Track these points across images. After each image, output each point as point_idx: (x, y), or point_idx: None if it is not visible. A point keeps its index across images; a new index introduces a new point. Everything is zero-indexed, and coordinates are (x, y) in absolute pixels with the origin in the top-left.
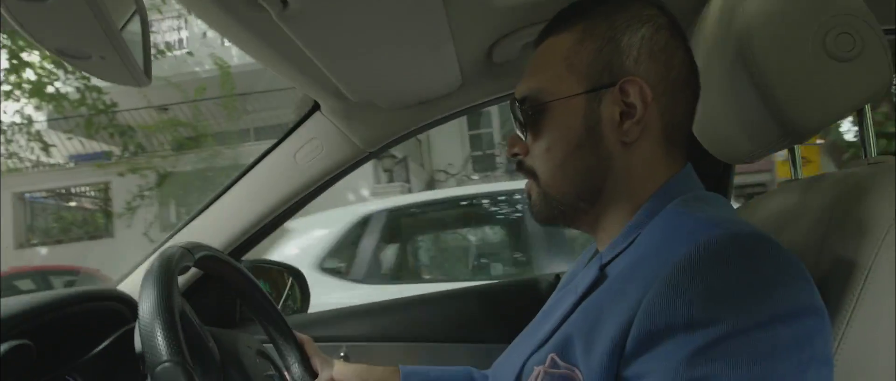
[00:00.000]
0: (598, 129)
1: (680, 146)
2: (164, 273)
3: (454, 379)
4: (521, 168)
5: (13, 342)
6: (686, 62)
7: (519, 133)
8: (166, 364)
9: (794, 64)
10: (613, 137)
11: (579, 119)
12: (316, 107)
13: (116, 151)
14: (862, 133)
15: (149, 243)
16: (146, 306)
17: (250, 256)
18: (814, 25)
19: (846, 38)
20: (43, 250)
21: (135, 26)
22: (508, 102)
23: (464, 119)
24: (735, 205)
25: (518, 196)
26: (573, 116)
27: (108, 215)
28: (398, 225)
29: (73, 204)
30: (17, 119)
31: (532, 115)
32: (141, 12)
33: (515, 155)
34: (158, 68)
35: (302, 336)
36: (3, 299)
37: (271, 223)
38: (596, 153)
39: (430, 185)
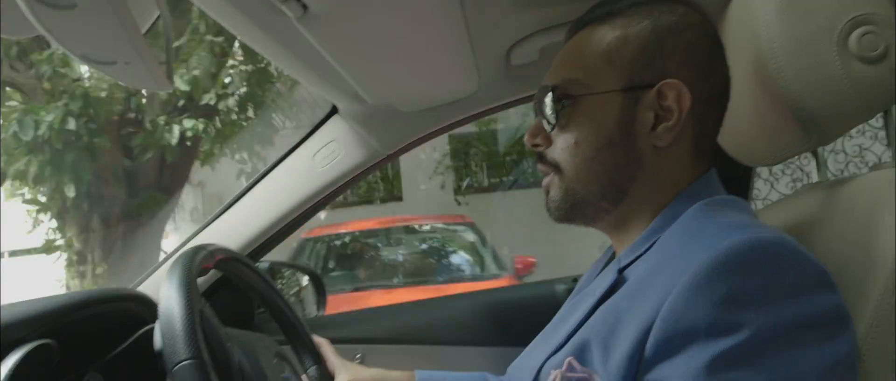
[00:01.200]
0: (631, 129)
1: (707, 154)
2: (185, 273)
3: None
4: (543, 161)
5: (37, 342)
6: (724, 73)
7: (543, 123)
8: (185, 362)
9: (817, 65)
10: (646, 139)
11: (614, 116)
12: (334, 110)
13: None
14: (888, 134)
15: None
16: (166, 305)
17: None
18: (837, 26)
19: (871, 37)
20: (344, 212)
21: (158, 31)
22: (527, 103)
23: None
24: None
25: None
26: (608, 113)
27: (397, 178)
28: None
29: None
30: None
31: (563, 106)
32: (164, 17)
33: (537, 146)
34: None
35: (319, 339)
36: (26, 300)
37: (290, 225)
38: (626, 153)
39: None
